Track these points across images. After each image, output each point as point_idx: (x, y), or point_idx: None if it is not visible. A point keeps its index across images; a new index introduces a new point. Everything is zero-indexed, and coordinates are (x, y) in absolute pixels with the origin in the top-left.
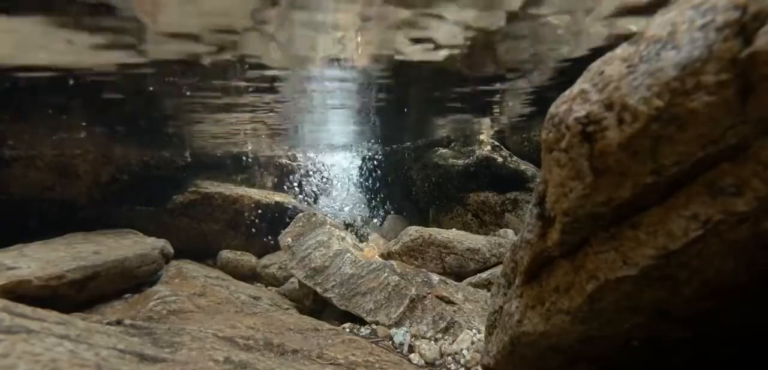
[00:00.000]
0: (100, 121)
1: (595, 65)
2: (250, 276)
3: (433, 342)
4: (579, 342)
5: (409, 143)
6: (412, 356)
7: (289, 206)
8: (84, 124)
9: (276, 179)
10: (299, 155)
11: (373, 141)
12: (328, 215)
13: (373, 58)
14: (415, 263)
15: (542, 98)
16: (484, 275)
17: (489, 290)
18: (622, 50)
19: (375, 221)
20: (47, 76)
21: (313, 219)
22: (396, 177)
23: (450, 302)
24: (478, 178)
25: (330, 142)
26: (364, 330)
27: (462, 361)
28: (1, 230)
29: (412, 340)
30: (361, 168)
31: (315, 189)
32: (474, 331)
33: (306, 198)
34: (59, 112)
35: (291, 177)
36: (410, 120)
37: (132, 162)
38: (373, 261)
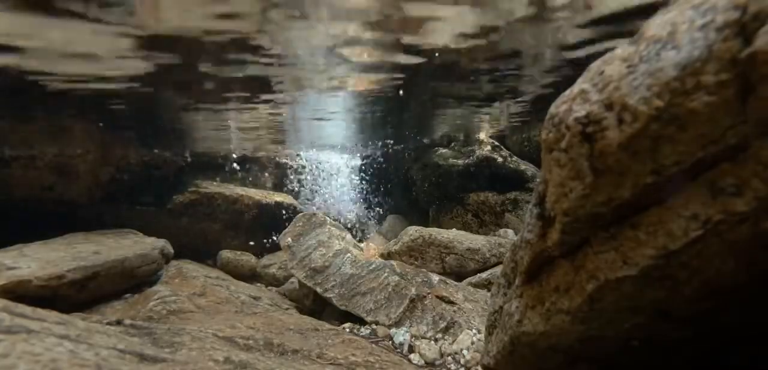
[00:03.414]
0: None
1: (595, 65)
2: (250, 276)
3: (433, 342)
4: (579, 342)
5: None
6: (412, 356)
7: (289, 206)
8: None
9: (276, 179)
10: (299, 155)
11: (373, 142)
12: (329, 215)
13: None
14: (415, 263)
15: None
16: (484, 275)
17: (489, 290)
18: (622, 50)
19: (375, 220)
20: None
21: (313, 219)
22: (396, 177)
23: (450, 302)
24: (478, 178)
25: (330, 142)
26: (364, 330)
27: (462, 361)
28: (1, 230)
29: (412, 340)
30: (361, 168)
31: (315, 189)
32: (474, 331)
33: (306, 198)
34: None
35: (291, 177)
36: (412, 120)
37: (132, 162)
38: (373, 261)
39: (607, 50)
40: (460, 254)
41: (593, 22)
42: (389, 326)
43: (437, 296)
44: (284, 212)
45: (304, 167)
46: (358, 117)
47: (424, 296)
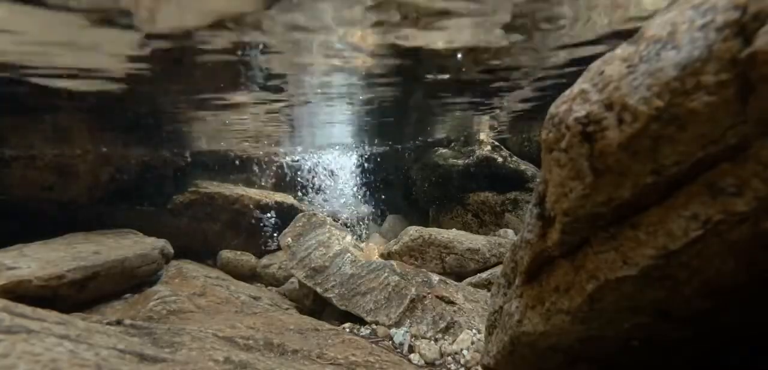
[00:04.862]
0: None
1: (595, 65)
2: (250, 276)
3: (433, 342)
4: (579, 342)
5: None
6: (412, 356)
7: (289, 206)
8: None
9: (275, 179)
10: (299, 155)
11: (374, 141)
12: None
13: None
14: (415, 263)
15: None
16: (484, 275)
17: (489, 290)
18: (622, 50)
19: (375, 220)
20: None
21: (313, 219)
22: (396, 177)
23: (450, 302)
24: (478, 178)
25: (331, 142)
26: (364, 330)
27: (462, 361)
28: (1, 230)
29: (412, 340)
30: (361, 168)
31: (315, 188)
32: (474, 331)
33: (306, 198)
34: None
35: (291, 177)
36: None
37: (132, 162)
38: (373, 261)
39: None
40: (460, 254)
41: None
42: (389, 326)
43: (437, 296)
44: (284, 210)
45: (303, 167)
46: (358, 116)
47: (424, 296)
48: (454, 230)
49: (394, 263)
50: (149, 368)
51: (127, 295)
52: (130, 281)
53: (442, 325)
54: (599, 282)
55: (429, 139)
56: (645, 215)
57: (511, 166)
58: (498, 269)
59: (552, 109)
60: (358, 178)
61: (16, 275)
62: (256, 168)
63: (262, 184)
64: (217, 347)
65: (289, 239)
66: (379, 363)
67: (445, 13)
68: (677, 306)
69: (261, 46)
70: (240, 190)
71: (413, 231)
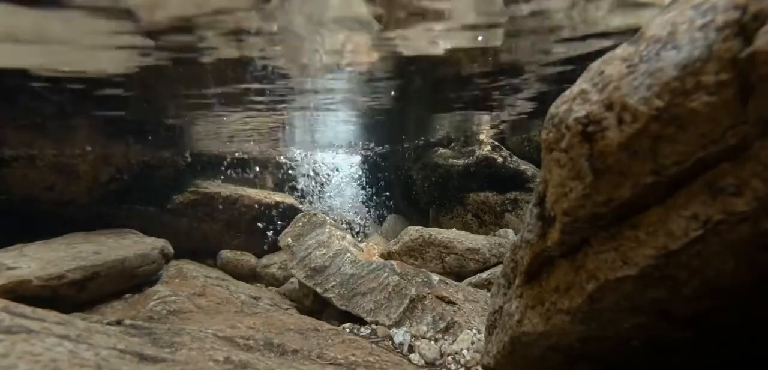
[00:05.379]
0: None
1: (595, 65)
2: (250, 276)
3: (433, 342)
4: (579, 342)
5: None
6: (412, 356)
7: (290, 206)
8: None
9: (276, 179)
10: (299, 155)
11: (373, 142)
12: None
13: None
14: (415, 263)
15: None
16: (484, 275)
17: (489, 290)
18: (622, 50)
19: (375, 220)
20: None
21: (313, 219)
22: (396, 177)
23: (450, 302)
24: (478, 178)
25: (330, 142)
26: (364, 330)
27: (462, 361)
28: (1, 230)
29: (412, 340)
30: (361, 168)
31: (315, 189)
32: (474, 331)
33: (306, 198)
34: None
35: (291, 177)
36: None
37: (132, 162)
38: (373, 261)
39: None
40: (460, 254)
41: None
42: (389, 326)
43: (437, 296)
44: (284, 210)
45: (303, 168)
46: (358, 116)
47: (424, 296)
48: (454, 230)
49: (394, 263)
50: (149, 368)
51: (127, 295)
52: (130, 281)
53: (442, 325)
54: (599, 282)
55: (430, 139)
56: (645, 215)
57: (511, 166)
58: (498, 269)
59: (552, 109)
60: (358, 179)
61: (16, 275)
62: (256, 168)
63: (262, 184)
64: (217, 347)
65: (289, 239)
66: (379, 363)
67: None
68: (677, 306)
69: (259, 45)
70: (240, 190)
71: (413, 231)
